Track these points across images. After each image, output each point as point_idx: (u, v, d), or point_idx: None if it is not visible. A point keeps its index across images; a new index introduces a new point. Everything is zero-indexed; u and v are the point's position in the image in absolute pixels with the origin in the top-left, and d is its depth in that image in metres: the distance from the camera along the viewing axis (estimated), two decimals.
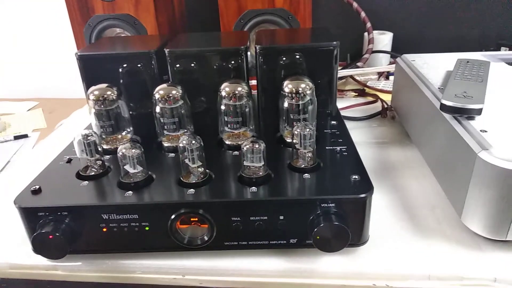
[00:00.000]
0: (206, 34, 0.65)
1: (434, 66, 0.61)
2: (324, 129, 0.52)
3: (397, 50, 0.94)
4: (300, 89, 0.47)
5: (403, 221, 0.46)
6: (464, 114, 0.44)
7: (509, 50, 0.94)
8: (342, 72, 0.84)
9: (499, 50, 0.96)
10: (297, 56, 0.53)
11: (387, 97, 0.76)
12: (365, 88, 0.85)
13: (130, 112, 0.58)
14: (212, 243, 0.40)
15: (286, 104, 0.48)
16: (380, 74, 0.91)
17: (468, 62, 0.57)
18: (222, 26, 0.77)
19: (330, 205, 0.38)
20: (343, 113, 0.74)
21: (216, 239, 0.40)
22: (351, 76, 0.88)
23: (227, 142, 0.49)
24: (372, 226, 0.42)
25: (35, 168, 0.47)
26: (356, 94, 0.84)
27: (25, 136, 0.84)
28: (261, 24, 0.77)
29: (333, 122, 0.54)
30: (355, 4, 0.88)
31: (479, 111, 0.43)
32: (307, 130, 0.42)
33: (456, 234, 0.43)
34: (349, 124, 0.71)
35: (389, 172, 0.56)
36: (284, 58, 0.54)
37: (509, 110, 0.45)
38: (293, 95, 0.47)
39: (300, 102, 0.47)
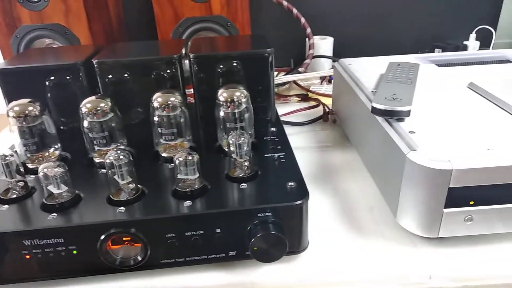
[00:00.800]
0: (141, 43, 0.63)
1: (368, 70, 0.62)
2: (263, 136, 0.52)
3: (338, 55, 0.97)
4: (235, 97, 0.46)
5: (343, 224, 0.46)
6: (393, 116, 0.45)
7: (443, 51, 0.99)
8: (284, 78, 0.84)
9: (434, 51, 1.01)
10: (233, 64, 0.53)
11: (329, 101, 0.78)
12: (308, 92, 0.86)
13: (61, 127, 0.55)
14: (147, 262, 0.38)
15: (222, 113, 0.47)
16: (322, 78, 0.93)
17: (399, 65, 0.59)
18: (160, 34, 0.75)
19: (267, 214, 0.38)
20: (286, 118, 0.74)
21: (151, 258, 0.38)
22: (294, 82, 0.89)
23: (163, 154, 0.47)
24: (312, 231, 0.42)
25: None
26: (300, 99, 0.84)
27: None
28: (200, 32, 0.76)
29: (272, 128, 0.54)
30: (294, 10, 0.90)
31: (407, 113, 0.44)
32: (242, 139, 0.42)
33: (393, 234, 0.44)
34: (292, 129, 0.72)
35: (330, 175, 0.56)
36: (220, 66, 0.53)
37: (436, 111, 0.47)
38: (229, 103, 0.46)
39: (236, 111, 0.46)
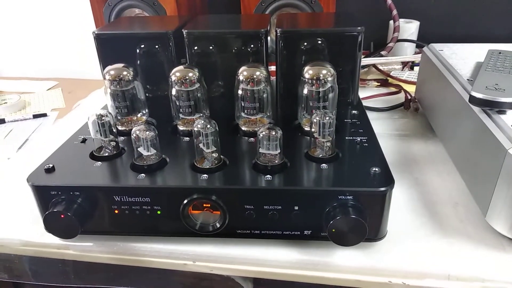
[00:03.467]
0: (226, 16, 0.63)
1: (463, 57, 0.58)
2: (344, 119, 0.50)
3: (423, 40, 0.91)
4: (321, 75, 0.45)
5: (423, 217, 0.44)
6: (494, 107, 0.41)
7: None
8: (365, 61, 0.81)
9: None
10: (319, 42, 0.51)
11: (411, 88, 0.73)
12: (388, 78, 0.82)
13: (147, 94, 0.57)
14: (224, 230, 0.39)
15: (305, 91, 0.46)
16: (404, 64, 0.88)
17: (500, 53, 0.54)
18: (243, 9, 0.75)
19: (348, 197, 0.37)
20: (364, 103, 0.71)
21: (228, 226, 0.39)
22: (374, 65, 0.85)
23: (243, 128, 0.48)
24: (391, 221, 0.41)
25: (51, 147, 0.46)
26: (379, 84, 0.81)
27: (44, 115, 0.84)
28: (283, 8, 0.75)
29: (354, 111, 0.52)
30: None
31: (510, 105, 0.40)
32: (327, 118, 0.41)
33: (479, 233, 0.41)
34: (370, 115, 0.69)
35: (410, 166, 0.54)
36: (305, 43, 0.52)
37: None
38: (314, 81, 0.45)
39: (321, 89, 0.45)
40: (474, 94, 0.42)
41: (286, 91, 0.55)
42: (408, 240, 0.41)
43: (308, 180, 0.39)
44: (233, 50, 0.53)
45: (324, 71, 0.45)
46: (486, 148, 0.40)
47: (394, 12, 0.85)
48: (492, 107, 0.41)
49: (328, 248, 0.40)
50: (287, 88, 0.54)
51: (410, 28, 0.93)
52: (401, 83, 0.79)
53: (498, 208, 0.38)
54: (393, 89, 0.77)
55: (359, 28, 0.50)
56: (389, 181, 0.37)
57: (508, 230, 0.38)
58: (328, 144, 0.42)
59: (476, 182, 0.43)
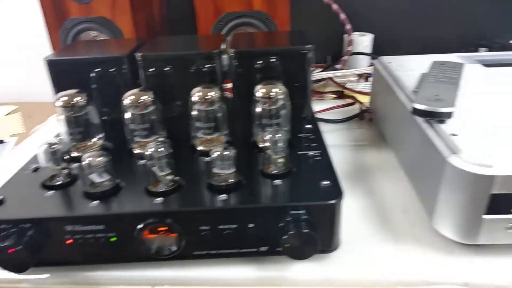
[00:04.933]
0: (182, 38, 0.64)
1: (409, 68, 0.61)
2: (298, 134, 0.52)
3: (378, 52, 0.94)
4: (272, 93, 0.46)
5: (376, 225, 0.46)
6: (434, 117, 0.44)
7: (488, 51, 0.95)
8: (321, 74, 0.84)
9: (478, 51, 0.97)
10: (271, 60, 0.53)
11: (366, 99, 0.76)
12: (344, 90, 0.85)
13: (104, 118, 0.57)
14: (181, 252, 0.39)
15: (258, 109, 0.47)
16: (360, 75, 0.91)
17: (442, 64, 0.57)
18: (200, 29, 0.76)
19: (300, 212, 0.38)
20: (321, 115, 0.74)
21: (185, 248, 0.39)
22: (331, 78, 0.88)
23: (199, 148, 0.48)
24: (345, 231, 0.42)
25: (6, 176, 0.45)
26: (336, 96, 0.83)
27: (0, 142, 0.82)
28: (240, 27, 0.76)
29: (308, 126, 0.54)
30: (334, 6, 0.88)
31: (449, 115, 0.43)
32: (278, 135, 0.42)
33: (428, 238, 0.43)
34: (327, 127, 0.72)
35: (364, 175, 0.56)
36: (258, 62, 0.53)
37: (481, 113, 0.45)
38: (266, 100, 0.46)
39: (273, 107, 0.47)
40: (415, 105, 0.44)
41: (244, 108, 0.56)
42: (361, 249, 0.42)
43: (261, 197, 0.40)
44: (188, 71, 0.54)
45: (275, 90, 0.46)
46: (429, 157, 0.42)
47: (347, 26, 0.88)
48: (432, 117, 0.44)
49: (285, 262, 0.41)
50: (244, 105, 0.55)
51: (364, 41, 0.96)
52: (356, 95, 0.81)
53: (442, 213, 0.40)
54: (349, 101, 0.80)
55: (308, 46, 0.52)
56: (338, 194, 0.39)
57: (453, 234, 0.40)
58: (281, 160, 0.43)
59: (422, 189, 0.46)
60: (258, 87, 0.47)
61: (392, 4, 1.00)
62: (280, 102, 0.47)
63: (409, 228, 0.45)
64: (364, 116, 0.73)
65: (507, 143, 0.39)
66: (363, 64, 0.97)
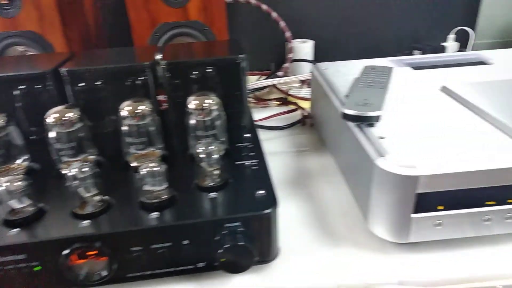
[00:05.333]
0: (114, 50, 0.62)
1: (344, 74, 0.62)
2: (237, 143, 0.51)
3: (319, 58, 0.97)
4: (206, 105, 0.45)
5: (315, 230, 0.46)
6: (363, 122, 0.45)
7: (422, 53, 1.00)
8: (263, 82, 0.84)
9: (412, 54, 1.01)
10: (206, 70, 0.52)
11: (308, 105, 0.77)
12: (288, 96, 0.86)
13: (31, 137, 0.54)
14: (113, 276, 0.37)
15: (192, 121, 0.46)
16: (302, 82, 0.93)
17: (373, 69, 0.59)
18: (136, 40, 0.74)
19: (235, 224, 0.37)
20: (265, 123, 0.74)
21: (118, 272, 0.37)
22: (274, 85, 0.88)
23: (133, 164, 0.47)
24: (285, 239, 0.42)
25: None
26: (280, 103, 0.84)
27: None
28: (177, 37, 0.75)
29: (247, 135, 0.53)
30: (273, 14, 0.89)
31: (377, 118, 0.44)
32: (211, 147, 0.41)
33: (365, 240, 0.44)
34: (271, 134, 0.72)
35: (305, 180, 0.56)
36: (191, 73, 0.52)
37: (408, 115, 0.47)
38: (199, 111, 0.46)
39: (207, 118, 0.46)
40: (345, 110, 0.45)
41: (180, 120, 0.54)
42: (301, 256, 0.42)
43: (195, 212, 0.39)
44: (119, 85, 0.52)
45: (208, 101, 0.46)
46: (361, 160, 0.43)
47: (287, 33, 0.90)
48: (362, 121, 0.45)
49: (225, 276, 0.40)
50: (180, 117, 0.54)
51: (305, 47, 0.98)
52: (298, 101, 0.83)
53: (375, 215, 0.41)
54: (292, 107, 0.81)
55: (241, 55, 0.52)
56: (273, 203, 0.39)
57: (387, 234, 0.41)
58: (216, 173, 0.42)
59: (357, 192, 0.47)
60: (190, 98, 0.46)
61: (332, 11, 1.03)
62: (214, 113, 0.46)
63: (348, 231, 0.46)
64: (306, 122, 0.74)
65: (430, 143, 0.40)
66: (305, 71, 0.99)
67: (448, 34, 1.01)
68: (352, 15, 1.04)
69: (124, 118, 0.45)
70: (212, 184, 0.42)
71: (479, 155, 0.38)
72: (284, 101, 0.84)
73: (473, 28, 1.07)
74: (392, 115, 0.47)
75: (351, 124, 0.47)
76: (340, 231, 0.46)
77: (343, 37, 1.06)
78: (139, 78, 0.52)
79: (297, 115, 0.78)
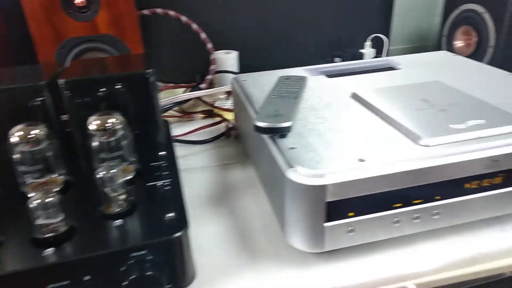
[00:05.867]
0: (8, 70, 0.56)
1: (263, 84, 0.62)
2: (150, 162, 0.49)
3: (244, 68, 0.97)
4: (108, 124, 0.42)
5: (235, 247, 0.45)
6: (275, 133, 0.44)
7: (342, 60, 1.03)
8: (183, 96, 0.81)
9: (333, 61, 1.05)
10: (113, 87, 0.49)
11: (232, 116, 0.77)
12: (213, 108, 0.84)
13: None
14: None
15: (95, 143, 0.43)
16: (228, 93, 0.92)
17: (287, 79, 0.59)
18: (41, 57, 0.69)
19: (142, 252, 0.35)
20: (188, 137, 0.72)
21: None
22: (199, 98, 0.87)
23: (31, 194, 0.42)
24: (202, 260, 0.41)
25: None
26: (205, 115, 0.82)
27: None
28: (88, 53, 0.71)
29: (162, 152, 0.51)
30: (194, 26, 0.88)
31: (288, 129, 0.44)
32: (113, 170, 0.38)
33: (286, 253, 0.43)
34: (195, 148, 0.70)
35: (228, 195, 0.55)
36: (96, 90, 0.49)
37: (319, 124, 0.47)
38: (102, 132, 0.42)
39: (111, 139, 0.43)
40: (256, 123, 0.44)
41: (84, 143, 0.51)
42: (220, 276, 0.41)
43: (96, 244, 0.35)
44: (13, 108, 0.47)
45: (111, 120, 0.43)
46: (274, 172, 0.43)
47: (209, 45, 0.89)
48: (274, 133, 0.45)
49: None
50: (84, 140, 0.50)
51: (229, 58, 0.98)
52: (223, 112, 0.82)
53: (290, 226, 0.41)
54: (217, 119, 0.79)
55: (149, 70, 0.49)
56: (182, 225, 0.37)
57: (303, 245, 0.41)
58: (122, 197, 0.39)
59: (274, 204, 0.46)
60: (91, 119, 0.43)
61: (255, 21, 1.03)
62: (119, 133, 0.43)
63: (268, 246, 0.45)
64: (231, 134, 0.73)
65: (338, 151, 0.41)
66: (231, 82, 0.98)
67: (365, 41, 1.05)
68: (275, 25, 1.06)
69: (15, 144, 0.41)
70: (118, 210, 0.39)
71: (384, 161, 0.39)
72: (209, 114, 0.83)
73: (388, 34, 1.14)
74: (304, 125, 0.47)
75: (264, 136, 0.46)
76: (260, 246, 0.45)
77: (267, 47, 1.07)
78: (37, 99, 0.48)
79: (222, 127, 0.76)
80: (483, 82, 0.58)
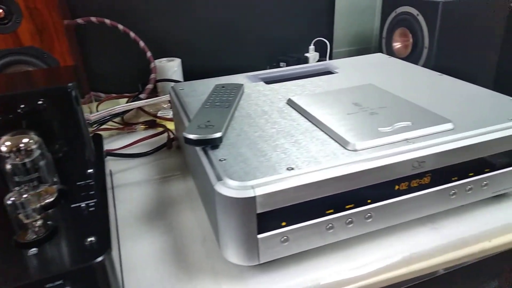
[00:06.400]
0: None
1: (199, 93, 0.61)
2: (76, 182, 0.46)
3: (189, 76, 0.94)
4: (22, 145, 0.39)
5: (172, 264, 0.43)
6: (205, 145, 0.43)
7: (287, 65, 1.04)
8: (121, 107, 0.78)
9: (279, 66, 1.05)
10: (30, 104, 0.46)
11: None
12: (156, 118, 0.82)
13: None
14: None
15: (8, 166, 0.40)
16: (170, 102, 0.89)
17: (223, 87, 0.58)
18: None
19: (57, 283, 0.32)
20: (128, 150, 0.69)
21: None
22: (140, 108, 0.84)
23: None
24: (134, 282, 0.38)
25: None
26: (147, 126, 0.80)
27: None
28: (12, 66, 0.66)
29: (89, 170, 0.48)
30: (132, 34, 0.85)
31: (219, 140, 0.43)
32: (25, 195, 0.35)
33: (223, 267, 0.42)
34: (134, 162, 0.67)
35: (167, 210, 0.53)
36: (15, 108, 0.45)
37: (252, 132, 0.47)
38: (15, 154, 0.39)
39: (26, 161, 0.40)
40: (185, 135, 0.43)
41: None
42: None
43: (8, 276, 0.32)
44: None
45: (24, 140, 0.40)
46: (206, 184, 0.41)
47: (148, 53, 0.86)
48: (204, 144, 0.43)
49: None
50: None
51: (172, 66, 0.95)
52: (167, 122, 0.79)
53: (224, 240, 0.39)
54: (160, 129, 0.77)
55: (70, 84, 0.46)
56: (103, 249, 0.34)
57: (238, 258, 0.40)
58: (38, 224, 0.36)
59: (210, 217, 0.45)
60: (3, 139, 0.39)
61: (200, 28, 1.01)
62: (35, 153, 0.40)
63: (206, 260, 0.44)
64: (173, 145, 0.71)
65: (268, 160, 0.40)
66: None
67: (309, 45, 1.07)
68: (221, 31, 1.04)
69: None
70: (34, 237, 0.36)
71: (312, 168, 0.39)
72: (151, 124, 0.80)
73: (331, 38, 1.16)
74: (238, 134, 0.46)
75: (197, 148, 0.45)
76: (199, 260, 0.44)
77: (214, 54, 1.06)
78: None
79: (164, 138, 0.74)
80: (414, 83, 0.59)
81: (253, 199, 0.36)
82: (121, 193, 0.58)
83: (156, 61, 0.93)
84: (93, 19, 0.84)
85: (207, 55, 1.05)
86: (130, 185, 0.60)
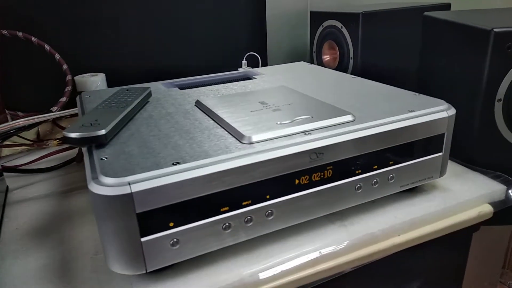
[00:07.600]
0: None
1: (103, 99, 0.57)
2: None
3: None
4: None
5: (54, 280, 0.38)
6: (88, 143, 0.39)
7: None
8: (20, 121, 0.72)
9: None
10: None
11: None
12: None
13: None
14: None
15: None
16: None
17: (128, 90, 0.55)
18: None
19: None
20: (35, 165, 0.63)
21: None
22: (54, 122, 0.78)
23: None
24: None
25: None
26: (60, 142, 0.74)
27: None
28: None
29: None
30: (47, 47, 0.80)
31: (104, 138, 0.39)
32: None
33: (110, 279, 0.38)
34: (39, 177, 0.61)
35: (63, 223, 0.48)
36: None
37: (149, 133, 0.43)
38: None
39: None
40: (65, 133, 0.39)
41: None
42: None
43: None
44: None
45: None
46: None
47: (64, 66, 0.81)
48: (87, 143, 0.39)
49: None
50: None
51: (95, 81, 0.91)
52: None
53: (107, 248, 0.35)
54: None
55: None
56: None
57: (122, 267, 0.35)
58: None
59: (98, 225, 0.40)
60: None
61: (131, 45, 0.98)
62: None
63: (93, 273, 0.39)
64: (81, 159, 0.66)
65: (155, 157, 0.37)
66: None
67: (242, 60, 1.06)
68: (152, 47, 1.02)
69: None
70: None
71: (200, 162, 0.36)
72: (64, 139, 0.74)
73: (265, 53, 1.17)
74: (132, 134, 0.43)
75: (84, 148, 0.41)
76: (84, 275, 0.39)
77: (146, 71, 1.02)
78: None
79: (75, 152, 0.69)
80: (325, 85, 0.59)
81: (129, 196, 0.32)
82: (15, 210, 0.52)
83: (78, 76, 0.88)
84: (4, 32, 0.78)
85: (135, 71, 1.02)
86: (27, 201, 0.54)
